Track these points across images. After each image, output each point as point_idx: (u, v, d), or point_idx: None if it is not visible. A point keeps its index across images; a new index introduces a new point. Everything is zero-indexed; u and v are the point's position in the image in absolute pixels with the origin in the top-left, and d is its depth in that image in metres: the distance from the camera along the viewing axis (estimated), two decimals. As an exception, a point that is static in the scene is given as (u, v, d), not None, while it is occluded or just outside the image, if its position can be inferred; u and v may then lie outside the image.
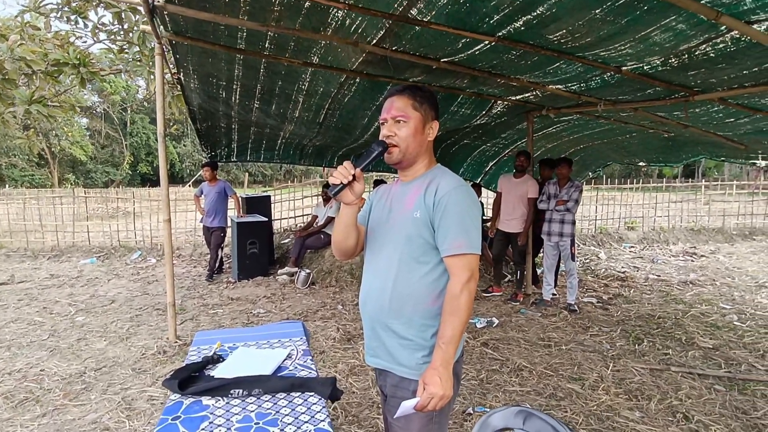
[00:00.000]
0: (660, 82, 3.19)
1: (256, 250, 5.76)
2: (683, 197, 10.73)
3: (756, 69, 2.72)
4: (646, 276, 6.01)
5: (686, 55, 2.65)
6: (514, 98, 4.35)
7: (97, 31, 5.67)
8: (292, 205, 8.98)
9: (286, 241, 7.18)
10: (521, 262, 4.90)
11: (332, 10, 2.50)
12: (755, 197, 10.36)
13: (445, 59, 3.22)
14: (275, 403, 1.22)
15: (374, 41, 2.95)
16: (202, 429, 1.09)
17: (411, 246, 1.24)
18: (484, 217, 6.48)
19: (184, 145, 32.12)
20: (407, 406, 1.11)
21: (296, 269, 5.62)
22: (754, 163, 5.38)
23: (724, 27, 2.21)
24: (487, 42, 2.73)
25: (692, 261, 7.08)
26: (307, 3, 2.45)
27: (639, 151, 6.20)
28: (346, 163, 1.19)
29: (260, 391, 1.24)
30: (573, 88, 3.68)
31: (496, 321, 4.01)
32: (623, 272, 6.21)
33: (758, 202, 10.11)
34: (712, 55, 2.58)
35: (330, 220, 5.97)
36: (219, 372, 1.35)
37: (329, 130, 5.17)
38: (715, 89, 3.22)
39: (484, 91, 4.10)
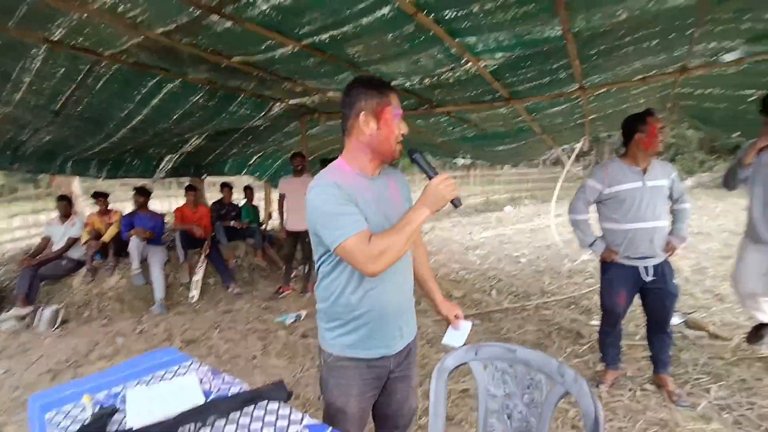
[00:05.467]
0: (414, 96, 4.04)
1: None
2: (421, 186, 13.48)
3: (474, 93, 3.84)
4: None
5: (435, 78, 3.49)
6: (291, 102, 4.59)
7: None
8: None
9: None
10: (309, 257, 5.23)
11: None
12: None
13: (239, 57, 3.15)
14: (238, 423, 1.11)
15: (165, 29, 2.62)
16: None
17: None
18: (261, 221, 6.50)
19: None
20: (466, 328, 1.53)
21: (30, 309, 4.26)
22: (455, 163, 7.41)
23: (464, 60, 3.05)
24: (291, 47, 2.86)
25: (426, 236, 9.06)
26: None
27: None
28: (446, 176, 1.28)
29: (215, 418, 1.09)
30: (349, 95, 4.19)
31: (303, 313, 4.21)
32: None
33: (464, 188, 13.67)
34: (451, 80, 3.49)
35: (73, 242, 4.76)
36: (134, 421, 1.09)
37: (69, 120, 4.07)
38: (446, 104, 4.32)
39: (265, 93, 4.16)
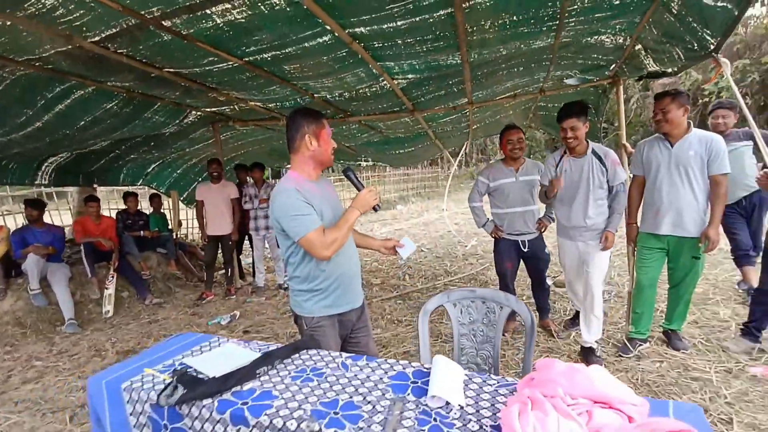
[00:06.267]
0: (332, 107, 4.49)
1: None
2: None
3: (385, 105, 4.44)
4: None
5: (354, 92, 4.00)
6: (208, 110, 4.67)
7: None
8: None
9: None
10: (231, 260, 5.31)
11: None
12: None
13: (171, 69, 3.26)
14: (296, 363, 1.49)
15: (102, 36, 2.62)
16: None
17: None
18: (170, 227, 6.27)
19: None
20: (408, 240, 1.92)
21: None
22: (359, 164, 8.03)
23: (382, 78, 3.61)
24: (231, 63, 3.10)
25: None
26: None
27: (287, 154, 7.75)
28: (371, 189, 1.78)
29: (278, 362, 1.45)
30: (270, 105, 4.45)
31: (237, 313, 4.36)
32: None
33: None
34: (368, 94, 4.03)
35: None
36: (214, 371, 1.39)
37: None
38: (360, 114, 4.85)
39: (186, 101, 4.21)
